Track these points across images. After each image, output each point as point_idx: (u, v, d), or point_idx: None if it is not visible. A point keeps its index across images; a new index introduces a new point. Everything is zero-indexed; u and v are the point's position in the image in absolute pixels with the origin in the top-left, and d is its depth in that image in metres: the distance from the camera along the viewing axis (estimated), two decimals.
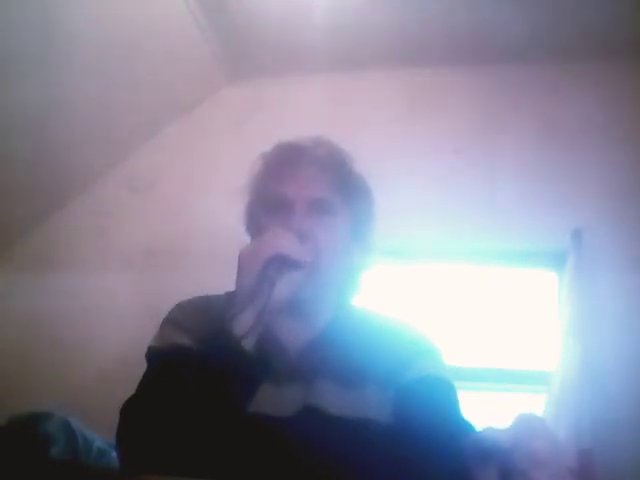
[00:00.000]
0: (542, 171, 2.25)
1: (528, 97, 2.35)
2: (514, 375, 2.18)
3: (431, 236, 2.28)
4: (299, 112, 2.45)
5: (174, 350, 1.06)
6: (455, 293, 2.31)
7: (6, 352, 2.31)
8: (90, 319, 2.34)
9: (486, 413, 2.10)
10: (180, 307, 1.16)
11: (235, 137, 2.52)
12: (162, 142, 2.57)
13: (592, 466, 1.79)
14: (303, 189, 1.11)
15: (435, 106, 2.41)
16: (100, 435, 1.67)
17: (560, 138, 2.28)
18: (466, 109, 2.38)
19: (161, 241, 2.43)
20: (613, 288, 2.07)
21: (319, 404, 1.02)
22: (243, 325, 0.96)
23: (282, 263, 0.99)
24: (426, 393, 1.05)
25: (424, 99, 2.43)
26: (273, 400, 1.02)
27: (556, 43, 2.24)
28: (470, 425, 1.01)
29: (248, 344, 0.96)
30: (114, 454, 1.60)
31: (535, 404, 2.06)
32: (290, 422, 1.01)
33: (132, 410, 0.98)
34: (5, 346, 2.32)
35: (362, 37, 2.29)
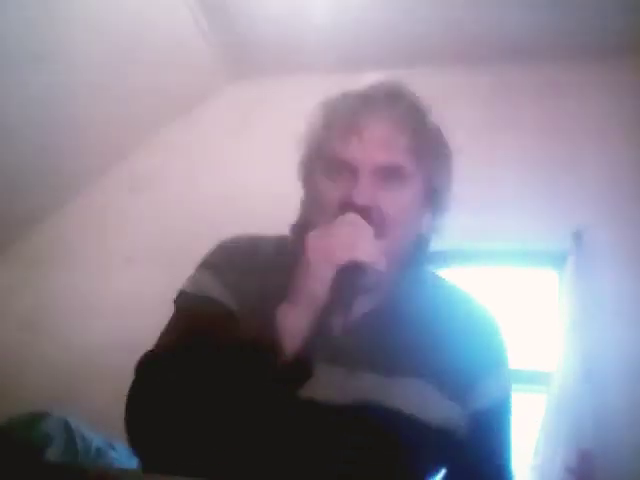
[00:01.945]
0: (542, 171, 2.25)
1: (528, 97, 2.35)
2: (514, 375, 2.17)
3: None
4: (299, 112, 2.45)
5: (206, 303, 0.96)
6: None
7: (6, 351, 2.31)
8: (90, 318, 2.34)
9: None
10: (224, 250, 1.04)
11: (235, 137, 2.52)
12: (162, 142, 2.57)
13: (592, 466, 1.79)
14: (371, 153, 0.94)
15: (435, 106, 2.41)
16: (100, 434, 1.67)
17: (560, 138, 2.28)
18: (466, 109, 2.38)
19: (161, 241, 2.43)
20: (613, 288, 2.07)
21: (366, 395, 0.92)
22: (295, 331, 0.86)
23: (358, 271, 0.87)
24: (494, 424, 1.02)
25: (424, 99, 2.42)
26: (315, 384, 0.90)
27: (556, 43, 2.24)
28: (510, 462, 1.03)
29: (295, 356, 0.85)
30: (113, 453, 1.60)
31: (535, 404, 2.06)
32: (332, 411, 0.91)
33: (149, 369, 0.90)
34: (5, 346, 2.32)
35: (362, 37, 2.30)
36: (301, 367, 0.86)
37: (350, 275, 0.87)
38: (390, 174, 0.95)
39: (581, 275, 2.05)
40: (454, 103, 2.40)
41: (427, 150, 0.99)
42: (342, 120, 0.99)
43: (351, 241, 0.87)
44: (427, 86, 2.65)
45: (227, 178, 2.47)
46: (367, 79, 1.05)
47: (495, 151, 2.31)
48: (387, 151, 0.95)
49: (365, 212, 0.91)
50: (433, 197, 1.01)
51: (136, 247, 2.44)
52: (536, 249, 2.24)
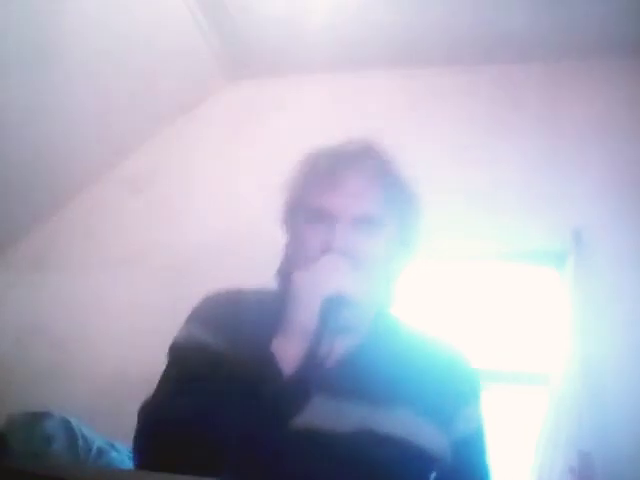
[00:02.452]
0: (542, 171, 2.25)
1: (528, 97, 2.35)
2: (514, 375, 2.18)
3: (430, 235, 2.27)
4: (299, 112, 2.46)
5: (198, 349, 1.03)
6: (455, 293, 2.31)
7: (6, 352, 2.31)
8: (90, 319, 2.34)
9: (485, 413, 2.09)
10: (209, 302, 1.13)
11: (235, 137, 2.52)
12: (162, 142, 2.57)
13: (592, 467, 1.79)
14: (347, 203, 1.06)
15: (435, 106, 2.41)
16: (100, 434, 1.67)
17: (560, 137, 2.28)
18: (466, 109, 2.38)
19: (161, 241, 2.43)
20: (613, 288, 2.07)
21: (360, 423, 0.99)
22: (289, 356, 0.95)
23: (340, 303, 0.99)
24: (472, 453, 1.10)
25: (424, 99, 2.42)
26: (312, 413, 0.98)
27: (556, 43, 2.24)
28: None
29: (291, 379, 0.94)
30: (114, 454, 1.60)
31: (535, 405, 2.06)
32: (329, 439, 0.97)
33: (150, 413, 0.97)
34: (5, 346, 2.32)
35: (362, 37, 2.29)
36: (300, 389, 0.94)
37: (334, 305, 0.98)
38: (365, 222, 1.06)
39: (581, 275, 2.05)
40: (454, 103, 2.41)
41: (397, 200, 1.12)
42: (322, 174, 1.10)
43: (334, 277, 0.99)
44: (427, 86, 2.68)
45: (227, 178, 2.47)
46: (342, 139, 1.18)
47: (495, 150, 2.31)
48: (362, 202, 1.07)
49: (344, 255, 1.02)
50: (404, 242, 1.14)
51: (135, 248, 2.44)
52: (536, 249, 2.24)
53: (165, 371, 1.05)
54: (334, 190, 1.07)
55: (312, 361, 0.95)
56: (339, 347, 1.04)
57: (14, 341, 2.35)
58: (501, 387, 2.19)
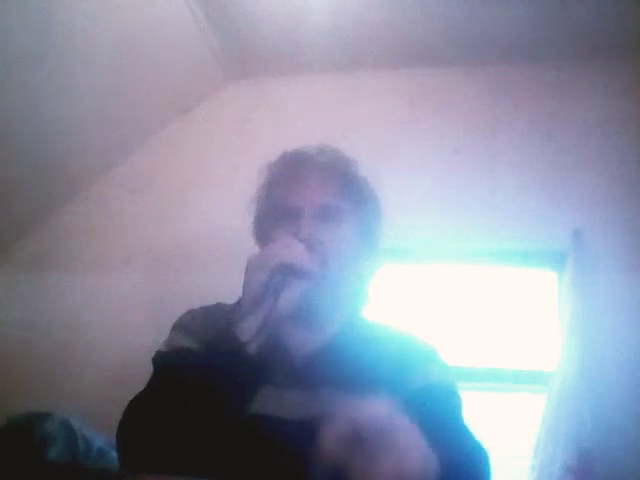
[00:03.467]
0: (542, 171, 2.25)
1: (528, 97, 2.35)
2: (514, 375, 2.18)
3: (431, 236, 2.28)
4: (299, 112, 2.46)
5: (178, 352, 1.08)
6: (455, 293, 2.31)
7: (6, 352, 2.31)
8: (90, 319, 2.34)
9: (486, 413, 2.10)
10: (190, 313, 1.19)
11: (235, 137, 2.52)
12: (162, 142, 2.57)
13: (592, 465, 1.79)
14: (309, 197, 1.13)
15: (435, 106, 2.41)
16: (101, 435, 1.67)
17: (560, 138, 2.28)
18: (466, 109, 2.38)
19: (161, 241, 2.43)
20: (613, 288, 2.07)
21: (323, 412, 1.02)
22: (247, 330, 0.99)
23: (289, 272, 1.01)
24: (432, 401, 1.05)
25: (424, 99, 2.42)
26: (276, 403, 1.03)
27: (556, 43, 2.24)
28: (471, 434, 1.02)
29: (252, 348, 0.98)
30: (114, 454, 1.60)
31: (535, 404, 2.06)
32: (293, 426, 1.01)
33: (134, 408, 0.99)
34: (5, 346, 2.32)
35: (362, 37, 2.29)
36: (262, 356, 0.99)
37: (282, 272, 1.01)
38: (328, 213, 1.13)
39: (581, 275, 2.05)
40: (453, 103, 2.41)
41: (356, 193, 1.18)
42: (284, 174, 1.19)
43: (284, 250, 1.03)
44: (427, 86, 2.68)
45: (227, 178, 2.47)
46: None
47: (495, 151, 2.31)
48: (323, 194, 1.14)
49: (308, 244, 1.05)
50: (367, 238, 1.18)
51: (135, 248, 2.44)
52: (536, 249, 2.24)
53: (150, 378, 1.08)
54: (296, 188, 1.14)
55: (265, 329, 0.99)
56: (308, 343, 1.10)
57: (14, 341, 2.35)
58: (501, 386, 2.19)
